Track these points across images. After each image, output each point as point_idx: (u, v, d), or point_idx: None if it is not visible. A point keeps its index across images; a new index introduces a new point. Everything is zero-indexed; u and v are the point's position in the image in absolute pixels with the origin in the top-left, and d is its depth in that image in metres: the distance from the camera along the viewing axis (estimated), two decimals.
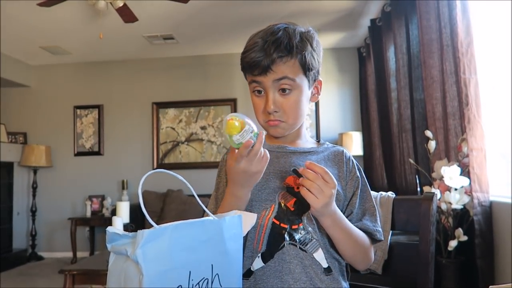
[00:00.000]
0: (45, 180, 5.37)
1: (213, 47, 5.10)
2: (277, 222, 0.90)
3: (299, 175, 0.82)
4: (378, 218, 0.96)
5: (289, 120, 0.93)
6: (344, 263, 0.95)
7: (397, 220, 1.31)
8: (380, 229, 0.95)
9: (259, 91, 0.93)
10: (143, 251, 0.61)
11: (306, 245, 0.89)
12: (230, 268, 0.72)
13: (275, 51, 0.88)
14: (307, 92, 0.95)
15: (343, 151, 1.01)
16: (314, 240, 0.89)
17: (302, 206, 0.89)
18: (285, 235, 0.89)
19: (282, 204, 0.91)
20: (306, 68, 0.92)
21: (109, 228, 0.68)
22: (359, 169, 0.99)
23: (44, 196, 5.34)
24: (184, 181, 0.77)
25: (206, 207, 0.99)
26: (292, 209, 0.90)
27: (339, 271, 0.93)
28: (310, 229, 0.89)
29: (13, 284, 4.03)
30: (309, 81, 0.94)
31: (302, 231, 0.89)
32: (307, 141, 1.03)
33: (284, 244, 0.89)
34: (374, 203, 0.97)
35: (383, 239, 0.95)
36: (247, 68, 0.93)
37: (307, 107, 0.97)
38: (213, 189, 1.02)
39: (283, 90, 0.91)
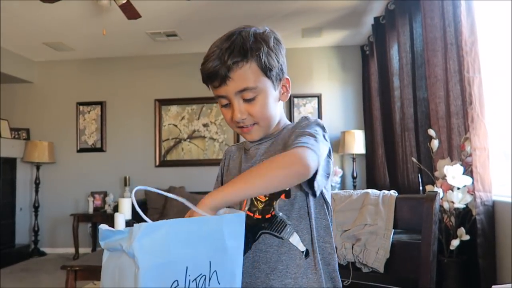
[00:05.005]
0: (47, 176, 5.38)
1: None
2: (251, 214, 0.91)
3: None
4: (313, 139, 0.84)
5: (260, 122, 0.93)
6: (328, 247, 0.91)
7: (399, 219, 1.30)
8: (310, 142, 0.82)
9: (227, 104, 0.92)
10: (140, 243, 0.60)
11: (281, 231, 0.89)
12: (229, 266, 0.72)
13: (229, 57, 0.86)
14: (273, 93, 0.93)
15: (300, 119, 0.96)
16: (288, 225, 0.89)
17: (272, 195, 0.90)
18: (260, 225, 0.90)
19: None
20: (265, 70, 0.90)
21: (101, 226, 0.68)
22: (308, 123, 0.92)
23: (47, 192, 5.36)
24: (173, 196, 0.79)
25: None
26: (264, 198, 0.91)
27: (318, 254, 0.89)
28: (282, 215, 0.90)
29: (15, 280, 4.05)
30: (273, 82, 0.92)
31: (276, 219, 0.90)
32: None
33: (260, 234, 0.90)
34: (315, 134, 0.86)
35: (308, 145, 0.80)
36: (207, 80, 0.91)
37: (278, 107, 0.96)
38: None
39: (247, 100, 0.90)
